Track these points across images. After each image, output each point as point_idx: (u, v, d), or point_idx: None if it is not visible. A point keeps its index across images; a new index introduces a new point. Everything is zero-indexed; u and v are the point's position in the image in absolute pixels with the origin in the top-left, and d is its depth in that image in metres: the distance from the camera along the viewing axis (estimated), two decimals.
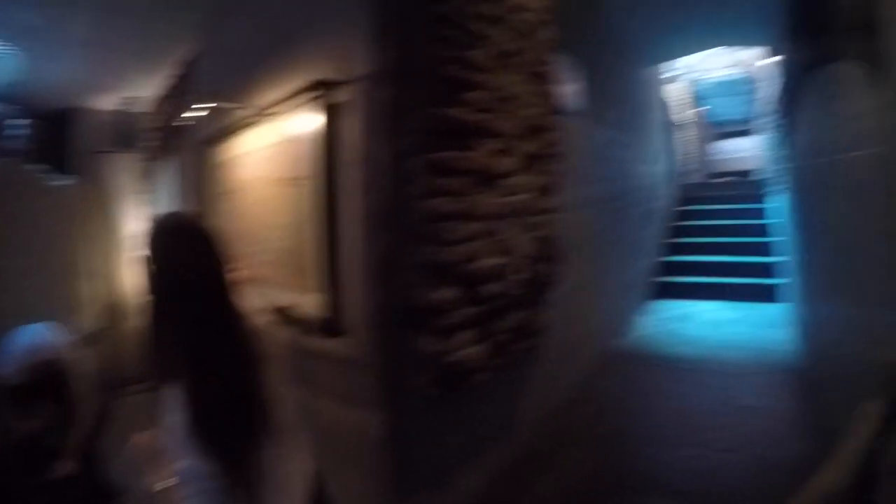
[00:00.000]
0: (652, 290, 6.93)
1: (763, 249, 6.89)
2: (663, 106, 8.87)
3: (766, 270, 6.54)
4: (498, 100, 2.47)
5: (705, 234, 7.72)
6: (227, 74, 3.18)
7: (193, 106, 2.91)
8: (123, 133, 6.99)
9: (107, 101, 6.75)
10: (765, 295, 6.25)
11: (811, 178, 4.55)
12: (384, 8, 2.13)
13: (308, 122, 2.31)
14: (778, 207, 7.11)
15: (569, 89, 3.69)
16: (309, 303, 2.28)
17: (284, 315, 2.27)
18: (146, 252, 1.38)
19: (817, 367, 3.81)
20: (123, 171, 6.96)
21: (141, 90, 6.41)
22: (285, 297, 2.30)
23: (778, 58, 6.99)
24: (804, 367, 4.13)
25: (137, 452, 1.48)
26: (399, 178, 2.15)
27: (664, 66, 8.45)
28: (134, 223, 6.78)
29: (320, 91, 2.19)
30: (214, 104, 2.94)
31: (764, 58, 8.83)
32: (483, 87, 2.37)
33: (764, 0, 5.33)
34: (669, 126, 9.04)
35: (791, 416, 3.42)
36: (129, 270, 6.63)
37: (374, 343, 2.12)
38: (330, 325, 2.21)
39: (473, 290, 2.28)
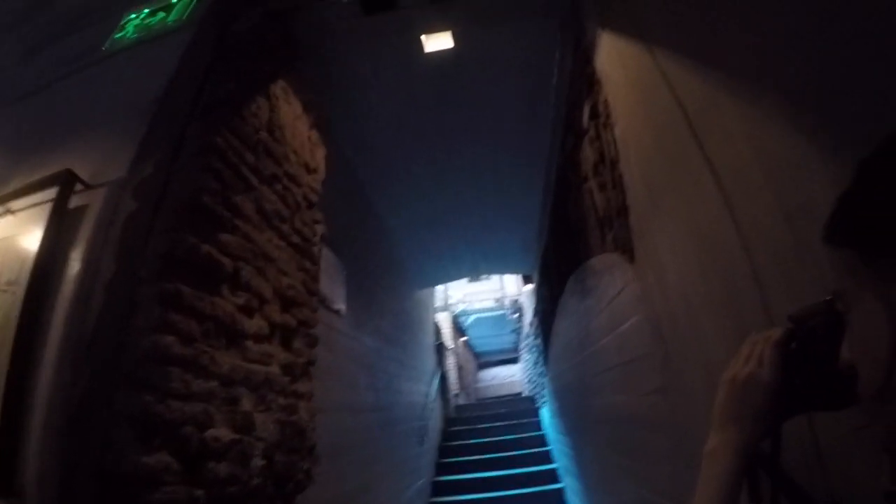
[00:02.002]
0: None
1: (540, 458, 7.14)
2: (434, 330, 9.29)
3: (546, 477, 6.65)
4: (254, 254, 2.24)
5: (479, 451, 7.69)
6: None
7: None
8: None
9: None
10: (548, 500, 6.26)
11: (568, 382, 4.89)
12: (161, 122, 1.94)
13: (39, 222, 1.94)
14: (546, 418, 7.53)
15: (333, 284, 3.63)
16: None
17: None
18: None
19: None
20: None
21: None
22: None
23: (533, 285, 7.92)
24: None
25: None
26: (122, 305, 1.72)
27: (435, 292, 9.05)
28: None
29: (61, 189, 1.85)
30: None
31: (524, 286, 9.98)
32: (240, 235, 2.15)
33: (526, 229, 6.10)
34: (440, 350, 9.39)
35: None
36: None
37: None
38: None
39: (198, 466, 1.78)
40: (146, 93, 2.28)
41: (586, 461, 4.60)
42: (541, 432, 7.90)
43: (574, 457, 5.33)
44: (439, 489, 6.92)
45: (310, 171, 3.04)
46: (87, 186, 2.01)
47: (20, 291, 1.84)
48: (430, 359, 8.25)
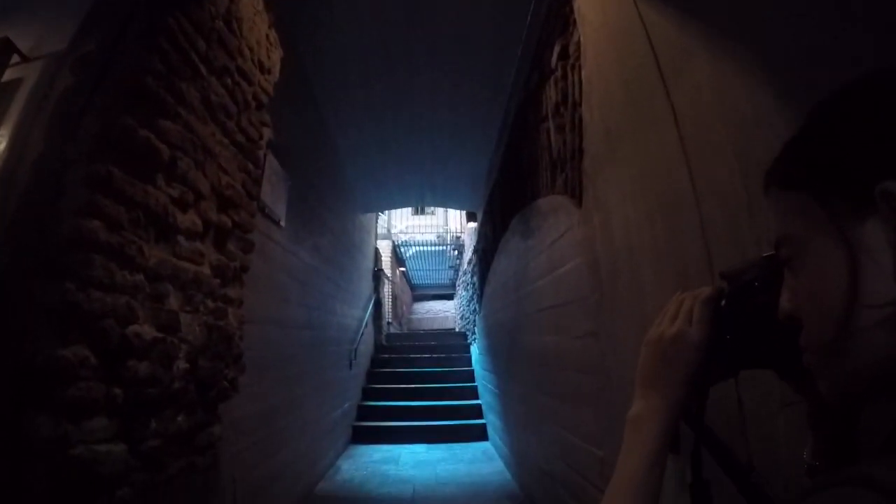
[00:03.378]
0: (354, 433, 6.63)
1: (466, 393, 7.34)
2: (374, 257, 9.25)
3: (471, 412, 6.89)
4: (194, 146, 2.12)
5: (408, 381, 7.83)
6: None
7: None
8: None
9: None
10: (472, 435, 6.47)
11: (500, 321, 5.00)
12: None
13: None
14: (476, 355, 7.73)
15: (274, 192, 3.51)
16: None
17: None
18: None
19: (530, 490, 3.90)
20: None
21: None
22: None
23: (476, 223, 7.94)
24: (519, 493, 4.25)
25: None
26: (51, 187, 1.59)
27: (378, 218, 8.96)
28: None
29: None
30: None
31: (466, 223, 10.01)
32: (182, 123, 2.02)
33: (478, 164, 6.02)
34: (377, 276, 9.39)
35: None
36: None
37: None
38: None
39: (118, 363, 1.72)
40: None
41: (511, 401, 4.75)
42: (469, 368, 8.10)
43: (499, 395, 5.51)
44: (365, 414, 7.05)
45: (263, 70, 2.89)
46: (24, 59, 1.83)
47: None
48: (367, 284, 8.23)
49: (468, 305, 9.42)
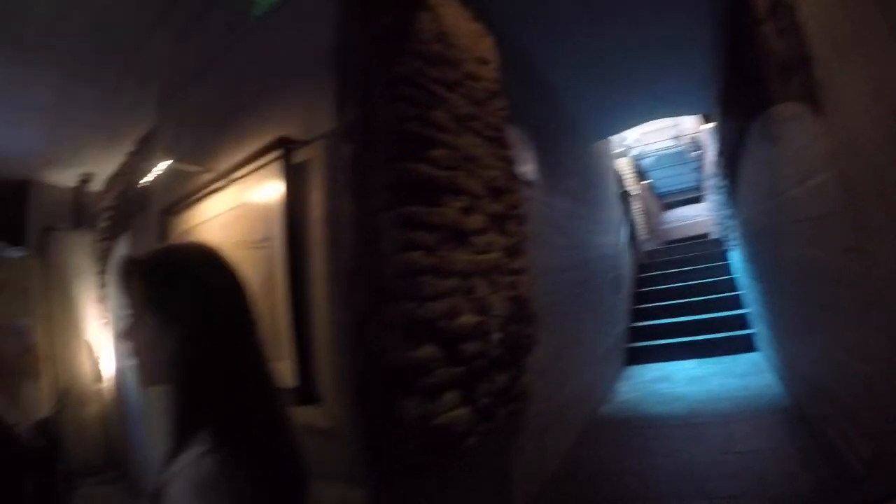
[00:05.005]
0: (626, 355, 6.89)
1: (731, 303, 7.07)
2: (616, 179, 9.20)
3: (737, 323, 6.66)
4: (461, 159, 2.50)
5: (671, 297, 7.84)
6: (189, 141, 3.19)
7: (154, 174, 2.86)
8: (80, 211, 6.91)
9: (64, 177, 6.71)
10: (740, 346, 6.31)
11: (759, 228, 4.76)
12: (345, 68, 2.16)
13: (271, 182, 2.30)
14: (736, 262, 7.36)
15: (523, 159, 3.79)
16: (280, 371, 2.17)
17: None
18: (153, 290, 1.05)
19: (801, 404, 3.84)
20: (79, 250, 6.79)
21: (99, 166, 6.37)
22: None
23: (714, 123, 7.43)
24: (790, 405, 4.17)
25: None
26: (368, 235, 2.11)
27: (611, 140, 8.84)
28: (90, 304, 6.64)
29: (283, 151, 2.19)
30: (177, 169, 2.91)
31: (703, 124, 9.39)
32: (446, 146, 2.40)
33: (698, 67, 5.69)
34: (624, 198, 9.34)
35: (790, 454, 3.33)
36: (86, 353, 6.52)
37: (351, 410, 2.01)
38: (302, 394, 2.10)
39: (454, 349, 2.21)
40: (316, 43, 2.38)
41: (776, 311, 4.59)
42: (730, 276, 7.76)
43: (765, 304, 5.27)
44: (634, 335, 7.25)
45: (484, 63, 3.13)
46: (303, 143, 2.26)
47: (275, 244, 2.27)
48: (615, 209, 8.28)
49: (720, 210, 8.90)
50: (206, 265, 1.10)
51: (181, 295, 1.02)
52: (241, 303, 1.10)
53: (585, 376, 4.85)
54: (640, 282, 8.55)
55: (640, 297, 8.11)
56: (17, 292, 5.12)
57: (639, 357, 6.86)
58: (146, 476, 5.47)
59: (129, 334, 1.04)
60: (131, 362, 1.07)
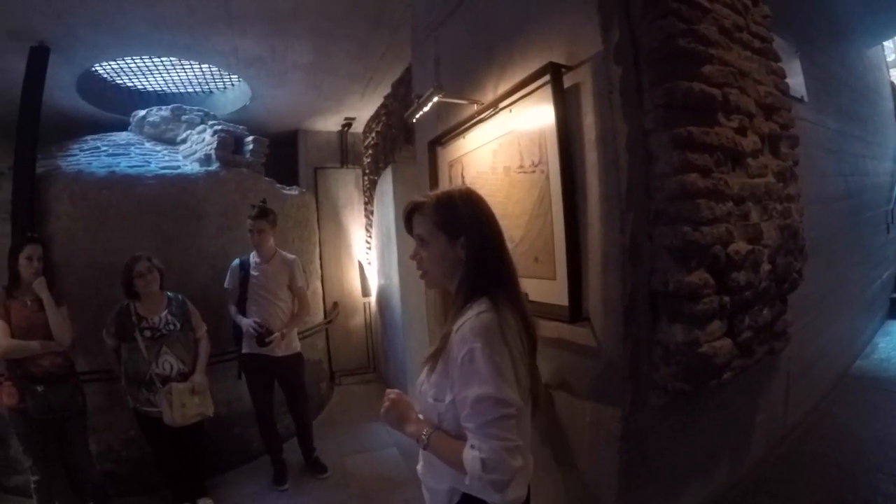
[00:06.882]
0: (891, 306, 5.97)
1: None
2: (892, 94, 7.75)
3: None
4: (732, 74, 2.28)
5: None
6: (454, 74, 3.31)
7: (420, 111, 3.03)
8: (345, 151, 8.02)
9: (329, 123, 7.74)
10: None
11: None
12: None
13: (541, 108, 2.29)
14: None
15: (790, 72, 3.35)
16: (550, 290, 2.26)
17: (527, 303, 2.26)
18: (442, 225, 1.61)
19: None
20: (347, 184, 7.94)
21: (359, 111, 7.17)
22: (526, 286, 2.30)
23: None
24: None
25: None
26: (642, 157, 2.05)
27: (886, 46, 7.39)
28: (358, 230, 7.83)
29: (552, 75, 2.15)
30: (443, 103, 3.04)
31: None
32: (716, 61, 2.21)
33: None
34: None
35: None
36: (355, 272, 7.88)
37: (617, 331, 2.02)
38: (572, 313, 2.14)
39: (724, 277, 2.09)
40: None
41: None
42: None
43: None
44: None
45: None
46: (569, 68, 2.19)
47: (547, 169, 2.29)
48: (891, 129, 7.00)
49: None
50: (474, 200, 1.64)
51: (463, 217, 1.58)
52: (495, 222, 1.65)
53: (845, 324, 4.34)
54: None
55: None
56: (298, 222, 6.04)
57: None
58: (400, 377, 6.20)
59: (418, 253, 1.68)
60: (420, 273, 1.70)
